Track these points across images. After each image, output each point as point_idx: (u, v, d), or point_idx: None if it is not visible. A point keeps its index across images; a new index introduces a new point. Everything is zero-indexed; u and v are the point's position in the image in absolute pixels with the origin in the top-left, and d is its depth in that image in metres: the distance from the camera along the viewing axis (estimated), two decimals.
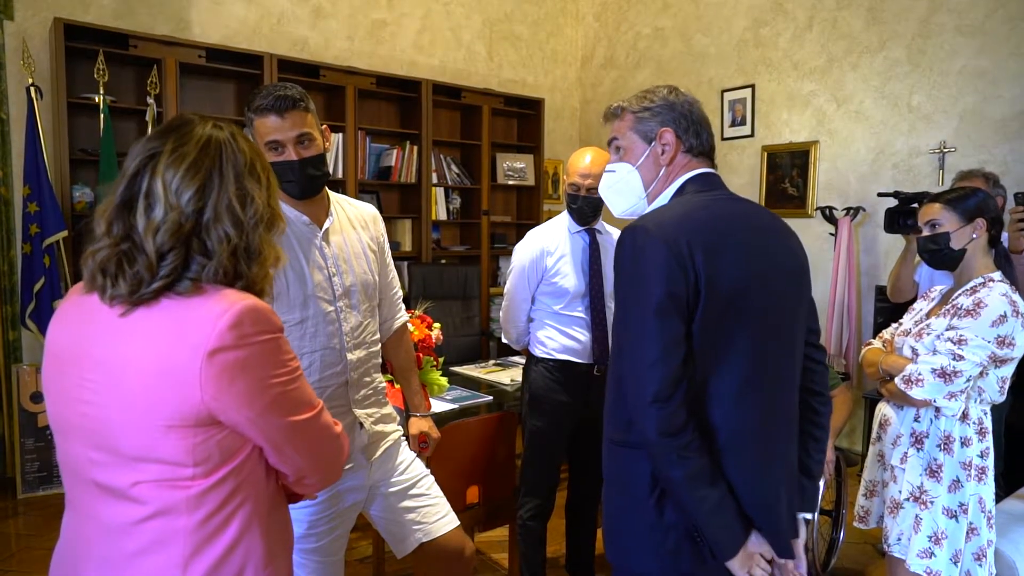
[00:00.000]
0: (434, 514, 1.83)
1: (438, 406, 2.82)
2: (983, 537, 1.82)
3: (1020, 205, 2.45)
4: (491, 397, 3.02)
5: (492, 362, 3.76)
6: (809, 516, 1.38)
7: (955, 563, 1.80)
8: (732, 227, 1.24)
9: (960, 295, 1.86)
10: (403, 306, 2.01)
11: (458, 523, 1.87)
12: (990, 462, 1.86)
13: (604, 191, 1.43)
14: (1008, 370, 1.81)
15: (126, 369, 0.95)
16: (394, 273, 1.95)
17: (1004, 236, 2.71)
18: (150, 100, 3.72)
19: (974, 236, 1.86)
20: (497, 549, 3.02)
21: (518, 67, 5.78)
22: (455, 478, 2.40)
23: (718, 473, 1.19)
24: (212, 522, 0.97)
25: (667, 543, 1.22)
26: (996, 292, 1.79)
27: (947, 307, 1.86)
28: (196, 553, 0.96)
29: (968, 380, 1.77)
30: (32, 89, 3.42)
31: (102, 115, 3.53)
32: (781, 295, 1.27)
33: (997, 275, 1.86)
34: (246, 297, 0.97)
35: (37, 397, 3.61)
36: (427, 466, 1.95)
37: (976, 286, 1.84)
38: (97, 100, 3.57)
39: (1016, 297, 1.80)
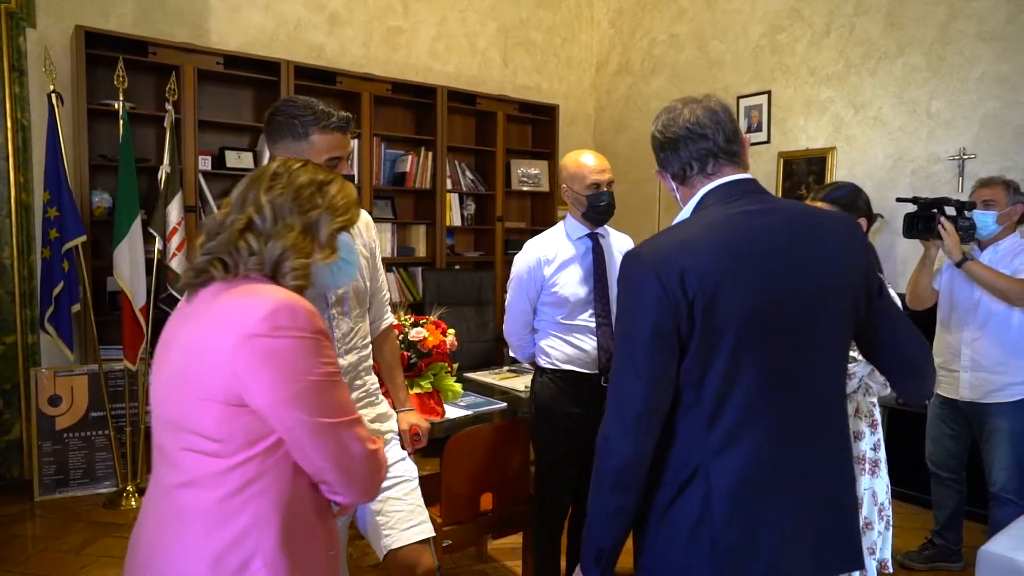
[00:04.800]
0: (404, 522, 1.81)
1: (452, 412, 2.82)
2: (875, 531, 1.81)
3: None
4: (505, 404, 3.01)
5: (506, 368, 3.75)
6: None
7: None
8: (736, 251, 1.15)
9: None
10: (390, 308, 2.09)
11: (426, 536, 1.83)
12: (882, 454, 1.89)
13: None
14: None
15: (182, 347, 1.09)
16: (383, 277, 2.03)
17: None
18: (168, 106, 3.75)
19: None
20: (510, 556, 3.00)
21: (533, 73, 5.79)
22: (468, 485, 2.39)
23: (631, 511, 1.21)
24: (231, 503, 1.05)
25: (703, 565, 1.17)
26: None
27: None
28: (216, 528, 1.04)
29: (860, 380, 1.83)
30: (53, 95, 3.46)
31: (121, 121, 3.57)
32: (798, 321, 1.18)
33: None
34: (289, 295, 1.08)
35: (55, 400, 3.64)
36: (439, 470, 1.95)
37: None
38: (117, 106, 3.61)
39: (893, 294, 1.83)
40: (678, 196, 1.35)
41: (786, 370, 1.18)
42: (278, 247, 1.13)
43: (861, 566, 1.29)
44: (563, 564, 2.59)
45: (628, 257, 1.22)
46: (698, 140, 1.27)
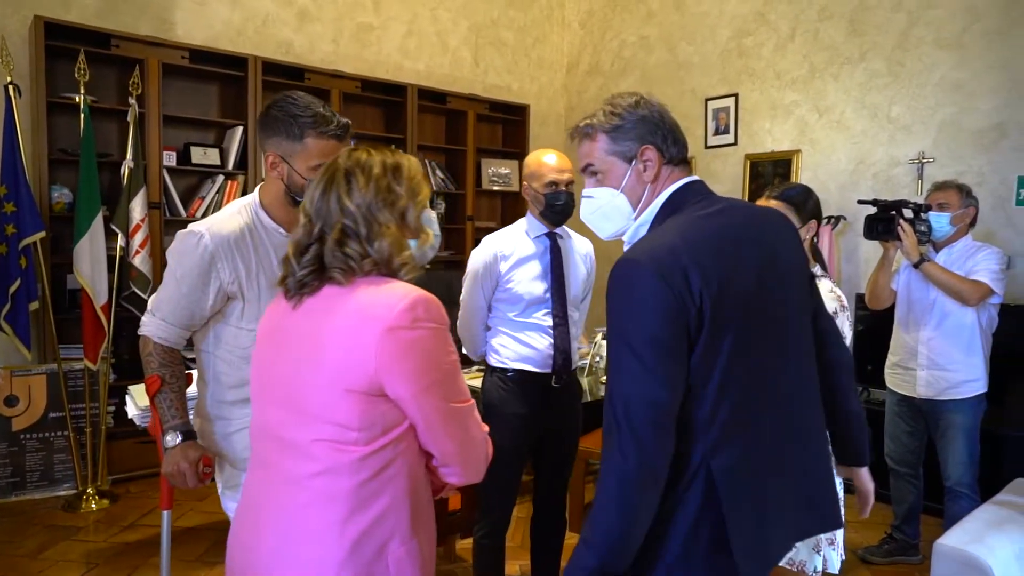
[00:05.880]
0: None
1: None
2: None
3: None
4: (473, 402, 3.01)
5: (474, 368, 3.74)
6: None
7: (816, 551, 1.93)
8: (721, 249, 1.17)
9: None
10: None
11: None
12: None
13: (588, 217, 1.36)
14: None
15: (320, 341, 1.11)
16: None
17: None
18: (132, 100, 3.68)
19: (806, 236, 1.98)
20: None
21: (504, 73, 5.80)
22: None
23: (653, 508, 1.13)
24: (368, 487, 1.09)
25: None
26: (824, 289, 1.89)
27: None
28: (354, 514, 1.08)
29: None
30: (11, 87, 3.37)
31: (82, 115, 3.49)
32: (775, 312, 1.23)
33: (818, 270, 1.99)
34: (420, 290, 1.13)
35: (12, 400, 3.55)
36: None
37: None
38: (78, 100, 3.52)
39: (839, 291, 1.96)
40: (632, 187, 1.28)
41: (772, 357, 1.23)
42: (385, 246, 1.14)
43: (841, 524, 1.39)
44: (527, 566, 2.59)
45: (624, 264, 1.14)
46: (680, 136, 1.30)
